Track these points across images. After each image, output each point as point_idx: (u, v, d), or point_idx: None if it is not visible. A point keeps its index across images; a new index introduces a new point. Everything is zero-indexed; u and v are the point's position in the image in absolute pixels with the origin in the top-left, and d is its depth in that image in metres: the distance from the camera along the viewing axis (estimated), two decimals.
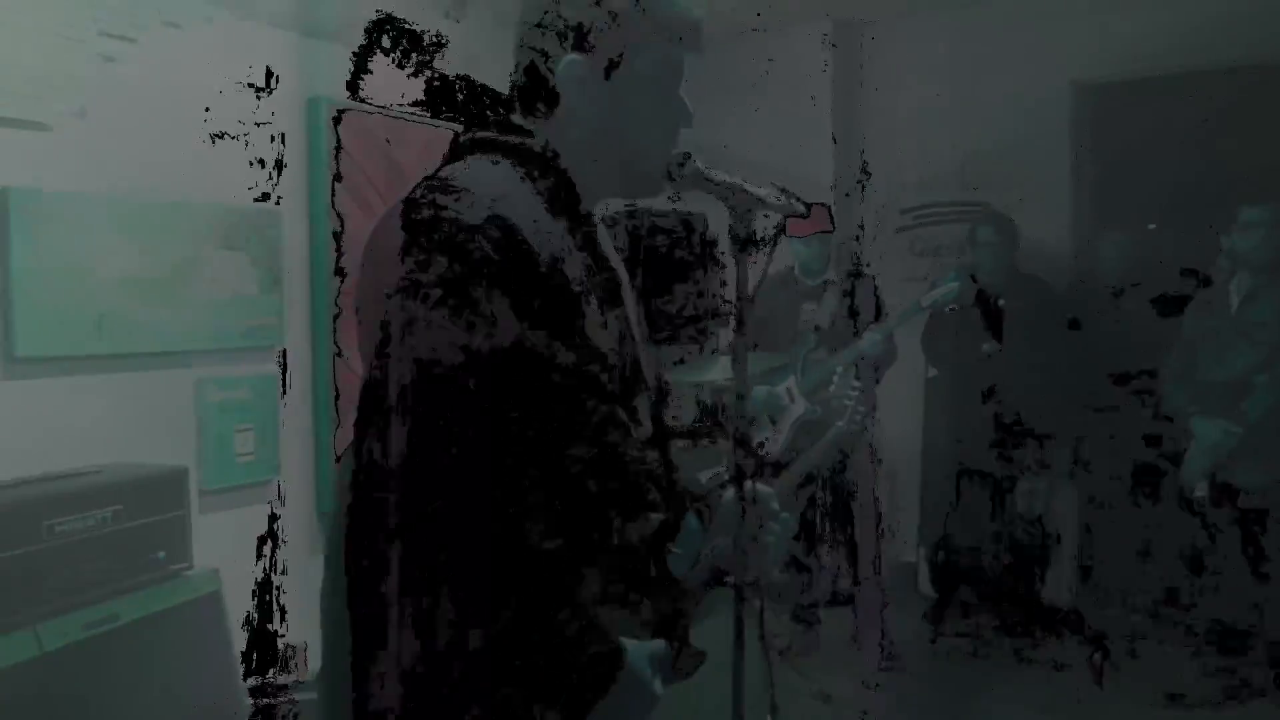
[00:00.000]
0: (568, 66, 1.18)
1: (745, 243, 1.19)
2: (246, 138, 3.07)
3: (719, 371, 3.41)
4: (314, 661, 2.94)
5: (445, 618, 0.99)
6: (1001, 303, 3.92)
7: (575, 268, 1.13)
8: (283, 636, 2.97)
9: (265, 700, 2.85)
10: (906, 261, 4.55)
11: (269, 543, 2.98)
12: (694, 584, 1.25)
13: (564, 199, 1.18)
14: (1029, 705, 3.43)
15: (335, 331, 3.32)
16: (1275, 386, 3.32)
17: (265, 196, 3.13)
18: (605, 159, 1.22)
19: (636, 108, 1.20)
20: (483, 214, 1.06)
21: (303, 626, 2.94)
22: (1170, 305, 3.68)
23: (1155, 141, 4.12)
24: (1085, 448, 4.01)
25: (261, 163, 3.12)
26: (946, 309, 3.69)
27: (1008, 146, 4.20)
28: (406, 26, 3.19)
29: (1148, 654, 3.76)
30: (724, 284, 4.14)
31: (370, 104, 3.42)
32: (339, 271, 3.36)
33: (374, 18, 3.18)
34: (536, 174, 1.17)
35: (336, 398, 3.37)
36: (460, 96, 3.36)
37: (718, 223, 3.93)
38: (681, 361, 3.62)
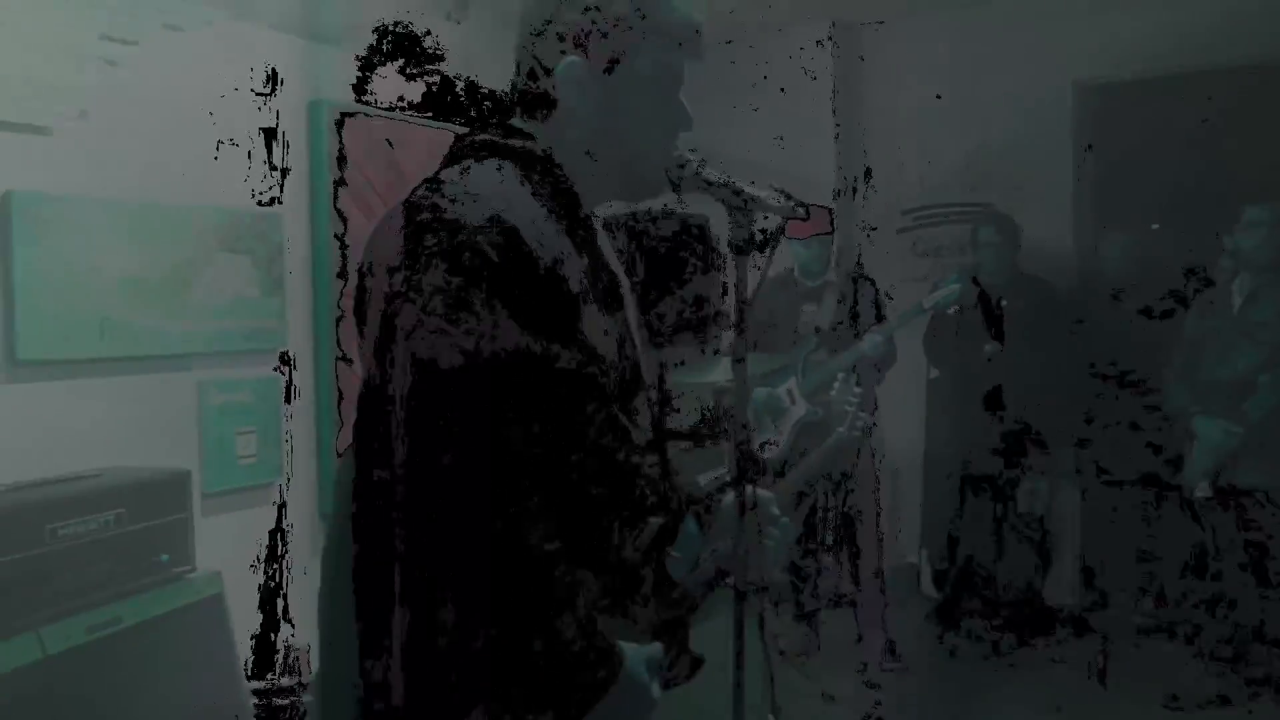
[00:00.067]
0: (567, 69, 1.18)
1: (745, 245, 1.19)
2: (248, 140, 3.07)
3: (720, 373, 3.41)
4: (316, 663, 2.94)
5: (446, 621, 1.00)
6: (1003, 303, 3.92)
7: (575, 270, 1.13)
8: (288, 639, 2.97)
9: (269, 702, 2.85)
10: (908, 262, 4.55)
11: (276, 544, 2.99)
12: (694, 587, 1.25)
13: (564, 202, 1.18)
14: (1031, 705, 3.43)
15: (338, 334, 3.33)
16: (1278, 386, 3.32)
17: (272, 201, 3.14)
18: (605, 161, 1.22)
19: (636, 110, 1.20)
20: (483, 216, 1.06)
21: (306, 629, 2.94)
22: (1165, 314, 3.68)
23: (1157, 141, 4.12)
24: (1087, 448, 4.01)
25: (264, 165, 3.13)
26: (948, 310, 3.69)
27: (1009, 147, 4.20)
28: (412, 31, 3.20)
29: (1150, 654, 3.76)
30: (725, 286, 4.14)
31: (373, 107, 3.42)
32: (341, 274, 3.37)
33: (379, 24, 3.19)
34: (536, 177, 1.17)
35: (339, 400, 3.37)
36: (460, 99, 3.36)
37: (718, 225, 3.93)
38: (682, 363, 3.62)
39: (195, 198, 3.00)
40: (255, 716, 2.78)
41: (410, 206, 1.09)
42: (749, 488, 1.19)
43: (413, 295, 1.03)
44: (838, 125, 4.56)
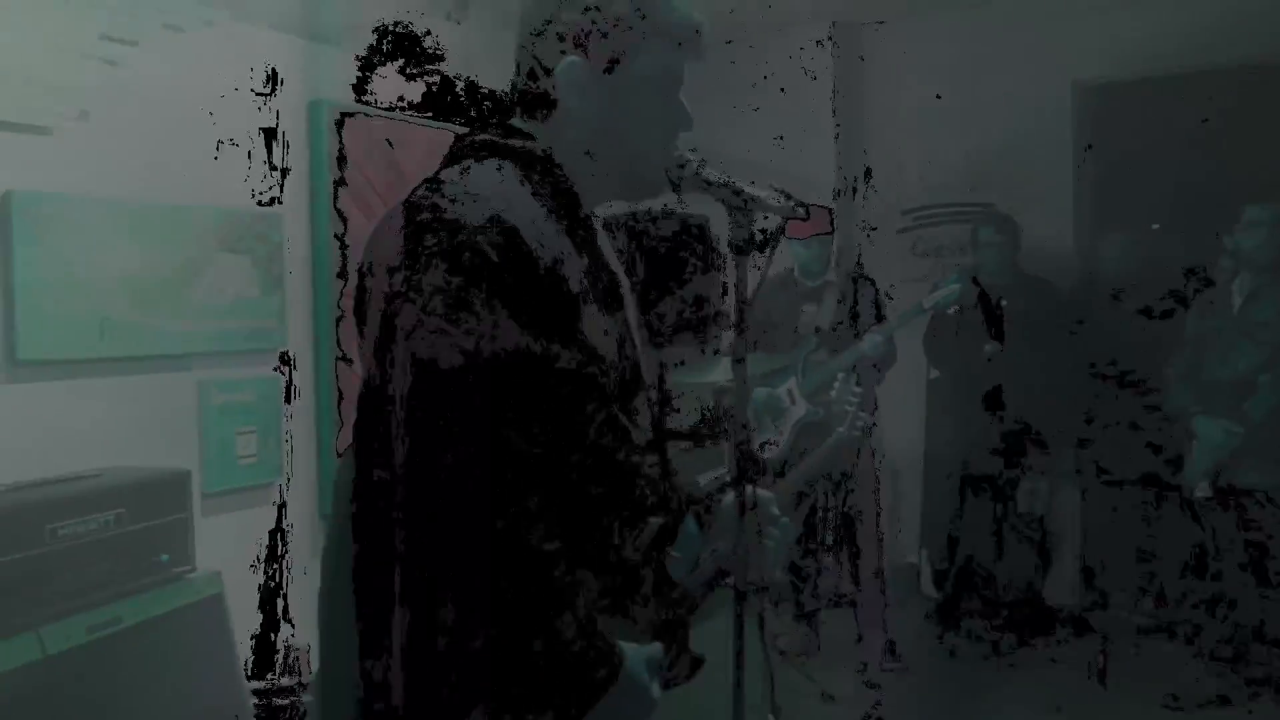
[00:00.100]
0: (567, 69, 1.18)
1: (745, 245, 1.19)
2: (248, 141, 3.07)
3: (720, 373, 3.41)
4: (315, 663, 2.94)
5: (446, 621, 1.00)
6: (1004, 303, 3.92)
7: (575, 270, 1.13)
8: (289, 639, 2.97)
9: (269, 702, 2.85)
10: (908, 262, 4.55)
11: (276, 544, 2.99)
12: (693, 587, 1.25)
13: (564, 202, 1.18)
14: (1032, 705, 3.43)
15: (338, 334, 3.33)
16: (1278, 386, 3.32)
17: (272, 201, 3.14)
18: (605, 162, 1.22)
19: (636, 110, 1.20)
20: (483, 216, 1.06)
21: (306, 628, 2.94)
22: (1165, 314, 3.68)
23: (1157, 142, 4.12)
24: (1087, 448, 4.01)
25: (264, 165, 3.13)
26: (949, 310, 3.69)
27: (1009, 147, 4.19)
28: (411, 31, 3.20)
29: (1150, 654, 3.76)
30: (725, 286, 4.13)
31: (373, 107, 3.42)
32: (341, 274, 3.37)
33: (379, 24, 3.19)
34: (536, 177, 1.18)
35: (339, 400, 3.37)
36: (460, 99, 3.36)
37: (718, 225, 3.93)
38: (683, 363, 3.63)
39: (195, 198, 3.00)
40: (255, 716, 2.78)
41: (410, 206, 1.09)
42: (749, 488, 1.19)
43: (413, 295, 1.03)
44: (838, 125, 4.56)
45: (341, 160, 3.40)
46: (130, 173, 2.82)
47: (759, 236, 1.21)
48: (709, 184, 1.21)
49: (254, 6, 3.16)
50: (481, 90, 3.36)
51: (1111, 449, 3.90)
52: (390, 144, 3.54)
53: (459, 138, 1.24)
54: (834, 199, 4.37)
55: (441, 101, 3.37)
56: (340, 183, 3.40)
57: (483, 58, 3.08)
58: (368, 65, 3.25)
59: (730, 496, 1.30)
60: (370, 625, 1.08)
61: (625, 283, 1.27)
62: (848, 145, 4.58)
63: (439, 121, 3.53)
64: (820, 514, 3.82)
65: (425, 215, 1.07)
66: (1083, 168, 4.35)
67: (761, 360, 3.52)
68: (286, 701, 2.88)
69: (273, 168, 3.15)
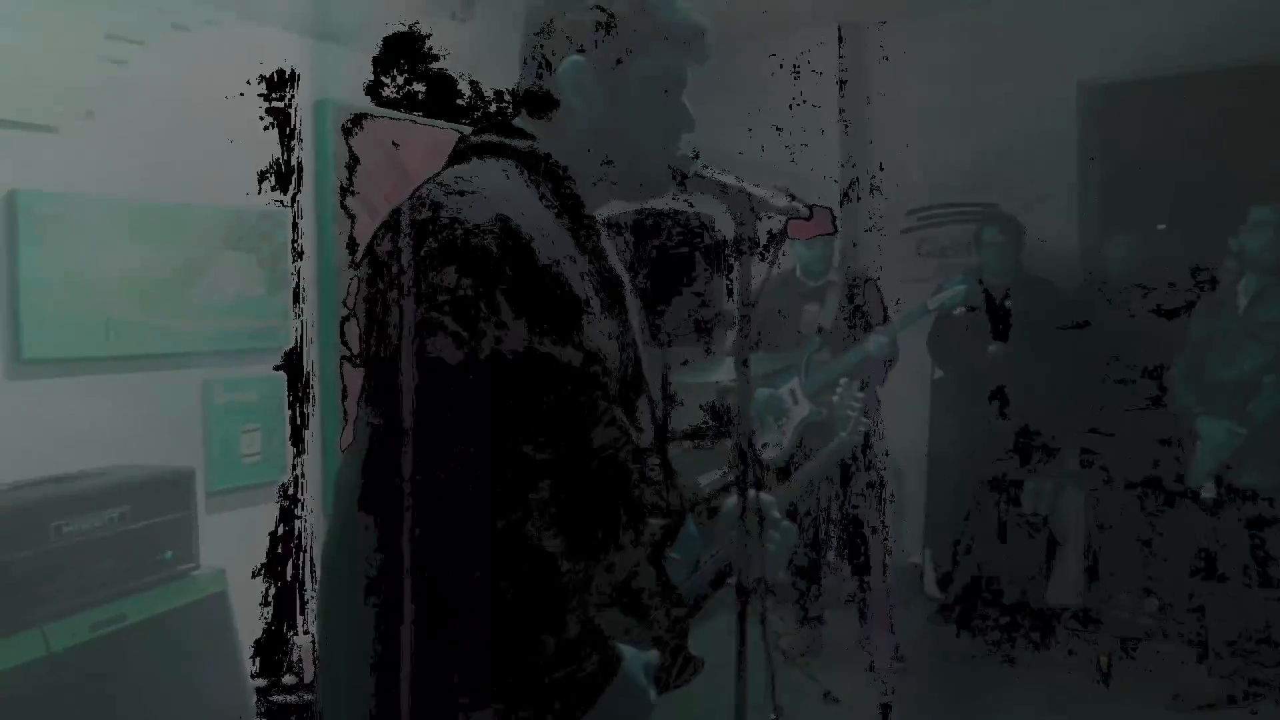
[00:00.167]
0: (570, 69, 1.18)
1: (748, 245, 1.19)
2: (253, 140, 3.08)
3: (724, 373, 3.41)
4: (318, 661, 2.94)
5: (449, 619, 1.00)
6: (1008, 304, 3.92)
7: (578, 270, 1.13)
8: (292, 637, 2.98)
9: (272, 699, 2.86)
10: (912, 263, 4.54)
11: (280, 542, 2.99)
12: (695, 589, 1.26)
13: (566, 202, 1.19)
14: (1036, 705, 3.43)
15: (342, 333, 3.34)
16: None
17: (279, 201, 3.15)
18: (606, 162, 1.22)
19: (637, 110, 1.20)
20: (486, 216, 1.06)
21: (309, 626, 2.95)
22: (1169, 313, 3.67)
23: (1162, 142, 4.11)
24: (1092, 448, 4.00)
25: (269, 165, 3.13)
26: (953, 311, 3.69)
27: (1013, 148, 4.19)
28: (417, 32, 3.20)
29: (1154, 654, 3.75)
30: (728, 286, 4.14)
31: (378, 107, 3.42)
32: (345, 272, 3.38)
33: (388, 28, 3.19)
34: (539, 177, 1.18)
35: (344, 397, 3.38)
36: (464, 99, 3.36)
37: (723, 225, 3.93)
38: (686, 363, 3.62)
39: (200, 197, 3.00)
40: (258, 713, 2.79)
41: (414, 205, 1.09)
42: (751, 490, 1.19)
43: (416, 294, 1.03)
44: (843, 124, 4.56)
45: (347, 159, 3.40)
46: (135, 172, 2.83)
47: (762, 237, 1.21)
48: (712, 184, 1.21)
49: (260, 6, 3.16)
50: (485, 90, 3.36)
51: (1116, 449, 3.90)
52: (395, 145, 3.55)
53: (462, 138, 1.25)
54: (841, 203, 4.37)
55: (446, 102, 3.37)
56: (345, 182, 3.41)
57: (487, 57, 3.08)
58: (380, 68, 3.25)
59: (732, 499, 1.30)
60: (375, 624, 1.08)
61: (627, 283, 1.27)
62: (851, 147, 4.58)
63: (443, 122, 3.53)
64: (824, 515, 3.82)
65: (429, 214, 1.07)
66: (1087, 168, 4.35)
67: (763, 360, 3.52)
68: (289, 699, 2.89)
69: (278, 167, 3.15)
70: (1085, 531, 4.14)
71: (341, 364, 3.37)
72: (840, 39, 4.56)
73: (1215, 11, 3.76)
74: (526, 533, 1.02)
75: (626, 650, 1.09)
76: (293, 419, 3.26)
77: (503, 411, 1.03)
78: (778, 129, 4.08)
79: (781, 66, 4.21)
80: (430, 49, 3.26)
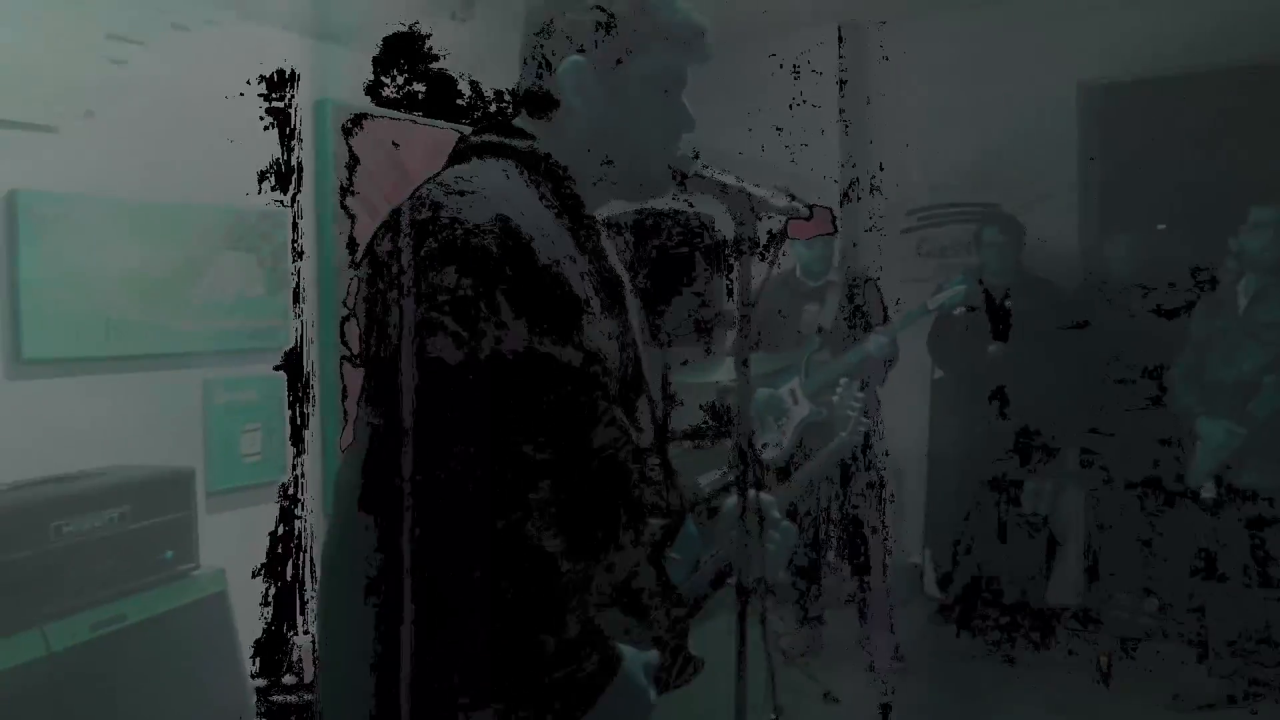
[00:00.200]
0: (570, 69, 1.18)
1: (748, 245, 1.19)
2: (253, 139, 3.08)
3: (724, 373, 3.41)
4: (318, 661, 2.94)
5: (449, 619, 1.00)
6: (1008, 304, 3.92)
7: (578, 270, 1.13)
8: (292, 637, 2.98)
9: (272, 700, 2.86)
10: (912, 263, 4.54)
11: (280, 542, 2.99)
12: (695, 589, 1.26)
13: (566, 202, 1.19)
14: (1036, 705, 3.43)
15: (342, 332, 3.34)
16: None
17: (279, 201, 3.15)
18: (606, 162, 1.22)
19: (638, 111, 1.20)
20: (486, 214, 1.06)
21: (309, 627, 2.95)
22: (1170, 313, 3.67)
23: (1162, 142, 4.11)
24: (1092, 448, 4.00)
25: (269, 164, 3.13)
26: (954, 311, 3.69)
27: (1014, 148, 4.19)
28: (417, 32, 3.20)
29: (1154, 654, 3.75)
30: (728, 286, 4.14)
31: (378, 107, 3.42)
32: (346, 272, 3.38)
33: (388, 28, 3.19)
34: (539, 177, 1.18)
35: (344, 397, 3.38)
36: (464, 99, 3.37)
37: (723, 225, 3.93)
38: (686, 363, 3.62)
39: (200, 196, 3.00)
40: (258, 713, 2.79)
41: (414, 205, 1.09)
42: (751, 490, 1.19)
43: (416, 294, 1.03)
44: (843, 124, 4.56)
45: (347, 159, 3.41)
46: (135, 171, 2.83)
47: (762, 237, 1.21)
48: (712, 184, 1.21)
49: (260, 6, 3.16)
50: (485, 90, 3.36)
51: (1116, 449, 3.90)
52: (396, 145, 3.55)
53: (462, 138, 1.25)
54: (841, 203, 4.37)
55: (446, 102, 3.37)
56: (345, 182, 3.41)
57: (487, 57, 3.08)
58: (380, 67, 3.25)
59: (732, 499, 1.30)
60: (375, 624, 1.08)
61: (627, 283, 1.27)
62: (852, 147, 4.58)
63: (443, 122, 3.54)
64: (824, 516, 3.82)
65: (429, 214, 1.07)
66: (1087, 168, 4.35)
67: (763, 360, 3.52)
68: (289, 699, 2.89)
69: (278, 167, 3.15)
70: (1085, 531, 4.14)
71: (341, 364, 3.37)
72: (840, 39, 4.56)
73: (1215, 11, 3.76)
74: (526, 533, 1.02)
75: (626, 650, 1.09)
76: (293, 419, 3.26)
77: (503, 411, 1.03)
78: (778, 129, 4.09)
79: (781, 66, 4.21)
80: (430, 49, 3.26)
